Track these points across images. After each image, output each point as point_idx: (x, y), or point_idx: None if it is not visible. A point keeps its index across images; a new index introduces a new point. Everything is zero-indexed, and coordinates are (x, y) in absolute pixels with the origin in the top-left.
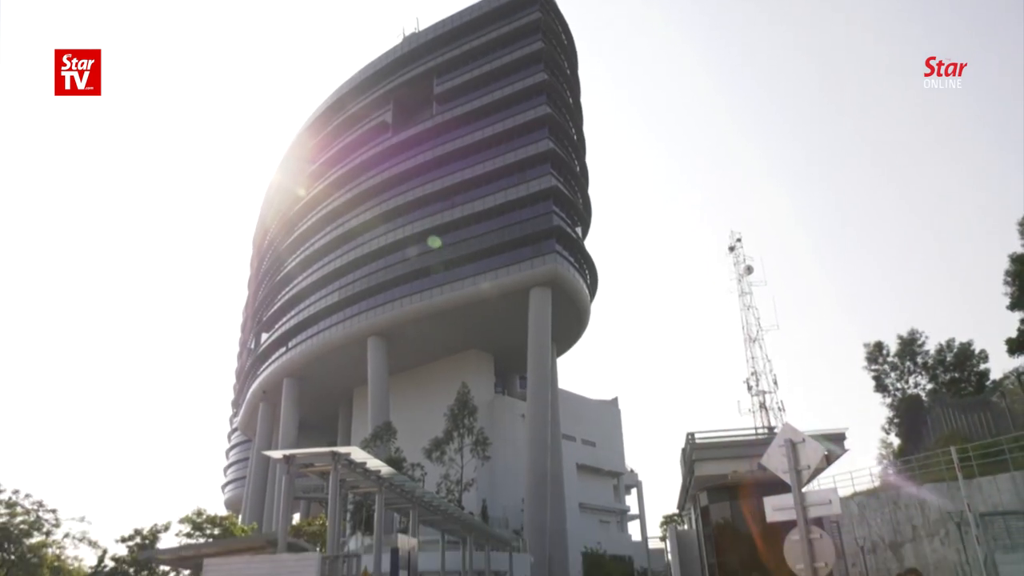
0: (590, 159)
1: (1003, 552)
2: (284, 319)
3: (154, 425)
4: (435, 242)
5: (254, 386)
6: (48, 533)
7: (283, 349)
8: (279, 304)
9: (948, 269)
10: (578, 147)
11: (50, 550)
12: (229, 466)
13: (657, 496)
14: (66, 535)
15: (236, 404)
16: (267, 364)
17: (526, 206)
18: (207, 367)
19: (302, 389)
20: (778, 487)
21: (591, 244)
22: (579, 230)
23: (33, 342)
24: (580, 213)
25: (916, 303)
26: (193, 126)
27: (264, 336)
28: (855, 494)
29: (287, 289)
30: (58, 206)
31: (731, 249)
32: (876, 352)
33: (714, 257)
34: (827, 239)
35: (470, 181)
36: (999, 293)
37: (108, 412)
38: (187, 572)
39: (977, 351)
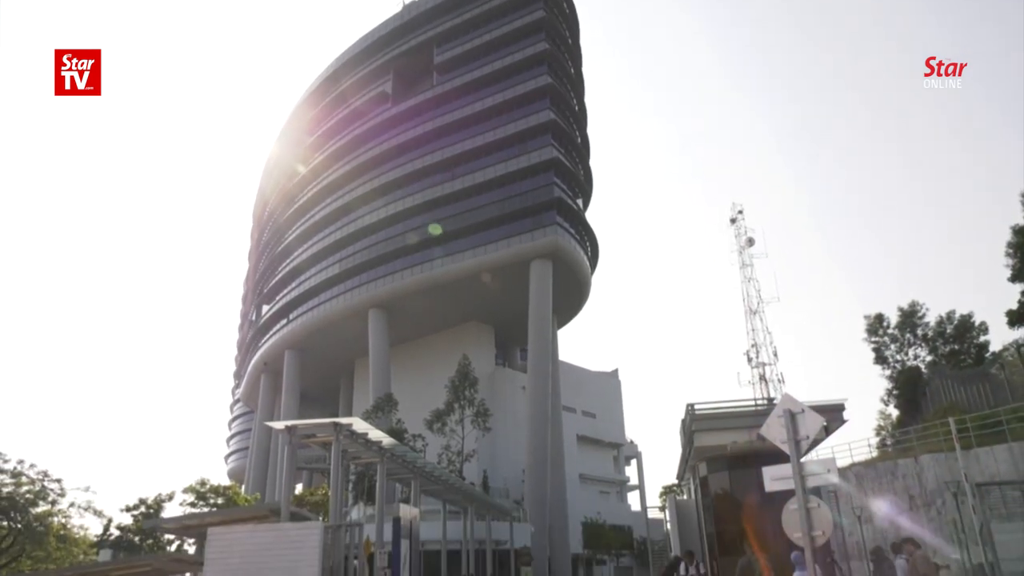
0: (591, 130)
1: (999, 521)
2: (284, 291)
3: (157, 397)
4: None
5: (255, 358)
6: (54, 503)
7: (284, 321)
8: (279, 276)
9: (950, 241)
10: (579, 118)
11: (56, 519)
12: (232, 437)
13: (657, 467)
14: (71, 504)
15: (238, 376)
16: (268, 336)
17: (527, 177)
18: (209, 339)
19: (303, 361)
20: (777, 457)
21: (592, 216)
22: (580, 202)
23: (36, 314)
24: (581, 184)
25: (918, 275)
26: (192, 99)
27: (265, 308)
28: (853, 464)
29: (287, 261)
30: (59, 179)
31: (732, 221)
32: (876, 324)
33: (715, 229)
34: (829, 211)
35: (470, 152)
36: (1001, 265)
37: (111, 384)
38: (191, 540)
39: (977, 323)
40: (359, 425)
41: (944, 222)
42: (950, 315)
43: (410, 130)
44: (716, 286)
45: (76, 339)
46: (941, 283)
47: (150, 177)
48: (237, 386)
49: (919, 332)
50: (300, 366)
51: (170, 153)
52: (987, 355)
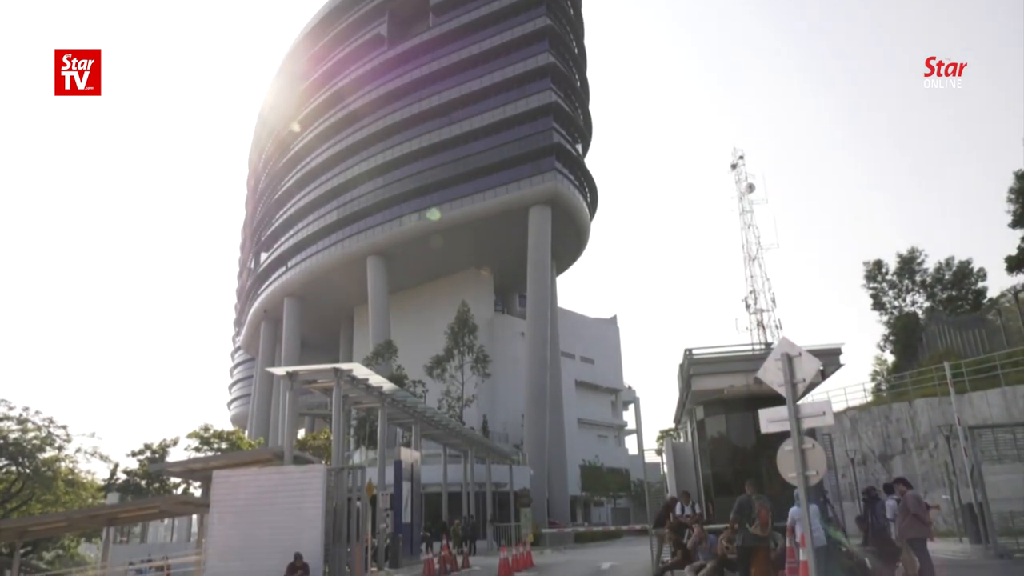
0: (591, 73)
1: (989, 463)
2: (282, 239)
3: (158, 345)
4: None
5: (255, 306)
6: (60, 448)
7: (283, 269)
8: (277, 224)
9: (954, 186)
10: (579, 61)
11: (63, 464)
12: (234, 384)
13: (654, 413)
14: (78, 450)
15: (238, 323)
16: (267, 284)
17: (525, 122)
18: (210, 286)
19: (303, 309)
20: (773, 401)
21: (591, 161)
22: (579, 147)
23: (39, 266)
24: (580, 129)
25: (919, 222)
26: (186, 43)
27: (263, 256)
28: (848, 409)
29: (284, 209)
30: (62, 121)
31: (733, 167)
32: (875, 270)
33: (716, 175)
34: (831, 158)
35: (468, 97)
36: (1002, 211)
37: (113, 333)
38: (197, 484)
39: (976, 270)
40: (359, 371)
41: (948, 167)
42: (949, 261)
43: (406, 74)
44: (715, 233)
45: (79, 288)
46: (943, 229)
47: (146, 122)
48: (238, 334)
49: (917, 278)
50: (300, 314)
51: (166, 98)
52: (984, 301)
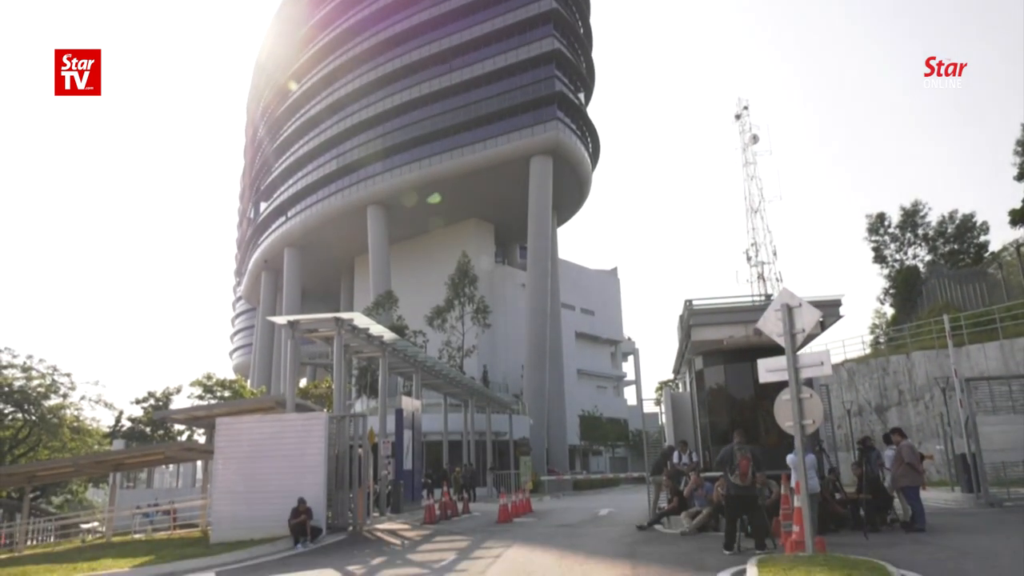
0: (594, 19)
1: (984, 414)
2: (281, 188)
3: (159, 294)
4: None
5: (255, 256)
6: (65, 396)
7: (282, 219)
8: (276, 173)
9: (959, 139)
10: (582, 7)
11: (68, 411)
12: (235, 333)
13: (653, 364)
14: (82, 397)
15: (238, 273)
16: (267, 234)
17: (527, 70)
18: (211, 235)
19: (303, 258)
20: (772, 352)
21: (594, 110)
22: (582, 96)
23: (42, 217)
24: (583, 77)
25: (924, 175)
26: None
27: (263, 205)
28: (846, 361)
29: (283, 158)
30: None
31: (737, 117)
32: (878, 223)
33: (720, 125)
34: (836, 109)
35: (469, 43)
36: (1009, 164)
37: (114, 282)
38: (201, 431)
39: (979, 223)
40: (360, 320)
41: (955, 119)
42: (952, 214)
43: (406, 20)
44: (718, 185)
45: (81, 238)
46: (948, 182)
47: (145, 66)
48: (238, 284)
49: (920, 232)
50: (300, 264)
51: (164, 43)
52: (986, 255)
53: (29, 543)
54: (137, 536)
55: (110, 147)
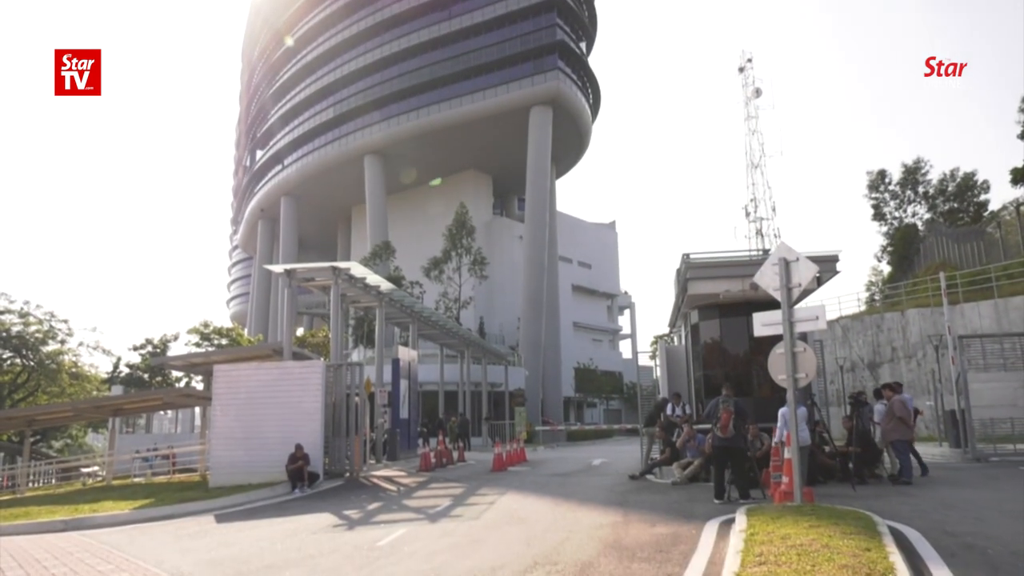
0: None
1: (975, 372)
2: (278, 136)
3: (158, 241)
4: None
5: (251, 204)
6: (63, 342)
7: (279, 167)
8: (272, 121)
9: (966, 96)
10: None
11: (67, 357)
12: (232, 282)
13: (648, 318)
14: (80, 344)
15: (235, 222)
16: (263, 182)
17: (528, 18)
18: (207, 182)
19: (300, 208)
20: (767, 307)
21: (595, 60)
22: (583, 45)
23: (38, 163)
24: (585, 26)
25: (928, 132)
26: None
27: (259, 153)
28: (841, 318)
29: (279, 105)
30: (61, 18)
31: (741, 70)
32: (878, 180)
33: (723, 79)
34: (841, 65)
35: None
36: (1013, 122)
37: (113, 229)
38: (199, 378)
39: (980, 181)
40: (357, 269)
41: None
42: (953, 173)
43: None
44: (719, 139)
45: (78, 184)
46: (953, 139)
47: (138, 11)
48: (235, 232)
49: (920, 189)
50: (297, 213)
51: None
52: (985, 214)
53: (31, 485)
54: (137, 480)
55: (108, 95)
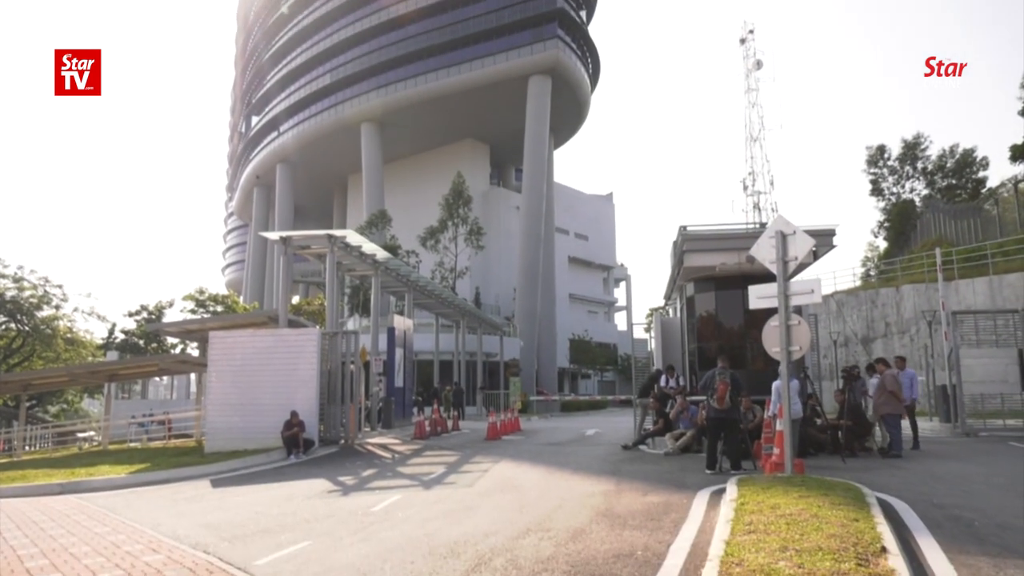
0: None
1: (967, 347)
2: (274, 102)
3: (153, 208)
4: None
5: (247, 171)
6: (57, 307)
7: (274, 134)
8: (267, 86)
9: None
10: None
11: (62, 323)
12: (228, 249)
13: (644, 291)
14: (75, 309)
15: (230, 189)
16: (259, 149)
17: None
18: (204, 148)
19: (296, 175)
20: (763, 280)
21: (595, 29)
22: (583, 14)
23: (33, 128)
24: None
25: (929, 110)
26: None
27: (254, 120)
28: (836, 293)
29: (275, 71)
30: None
31: (742, 41)
32: (878, 155)
33: (724, 50)
34: (844, 37)
35: None
36: (1014, 98)
37: (107, 194)
38: (194, 344)
39: (979, 158)
40: (353, 238)
41: (967, 52)
42: (952, 149)
43: None
44: (718, 112)
45: (72, 150)
46: (953, 116)
47: None
48: (230, 199)
49: (919, 165)
50: (292, 181)
51: None
52: (983, 191)
53: (27, 449)
54: (133, 445)
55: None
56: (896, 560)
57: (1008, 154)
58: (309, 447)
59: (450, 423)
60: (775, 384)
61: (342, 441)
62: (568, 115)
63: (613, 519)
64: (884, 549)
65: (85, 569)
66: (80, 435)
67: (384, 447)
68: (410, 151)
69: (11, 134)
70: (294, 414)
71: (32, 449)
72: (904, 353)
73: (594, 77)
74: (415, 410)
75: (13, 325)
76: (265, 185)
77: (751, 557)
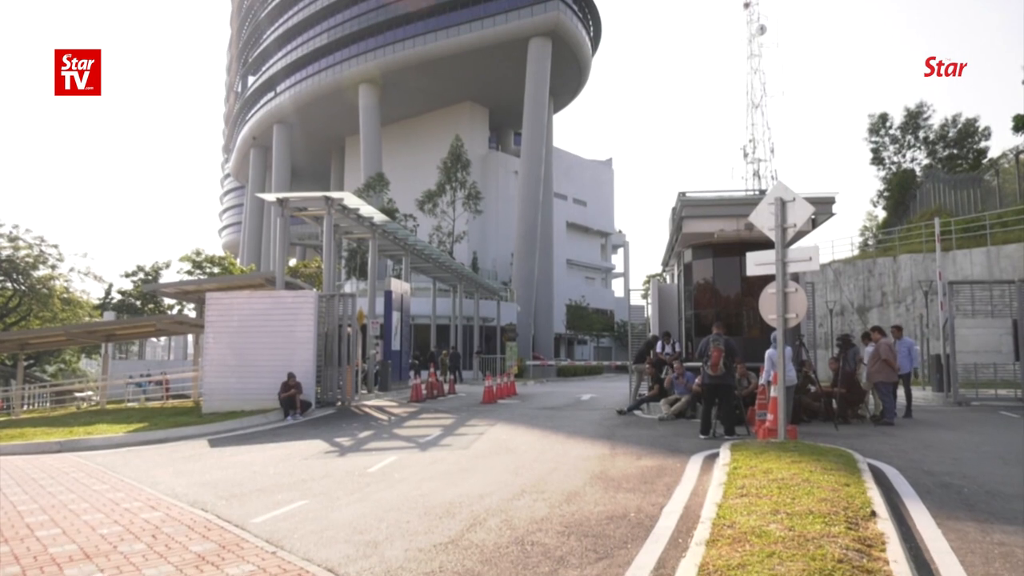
0: None
1: (963, 317)
2: (270, 62)
3: (149, 167)
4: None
5: (244, 132)
6: (54, 267)
7: (271, 94)
8: (264, 45)
9: (975, 42)
10: None
11: (58, 283)
12: (224, 211)
13: (642, 258)
14: (71, 269)
15: (227, 150)
16: (255, 109)
17: None
18: (200, 108)
19: (293, 136)
20: (761, 247)
21: None
22: None
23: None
24: None
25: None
26: None
27: (251, 79)
28: (833, 261)
29: (272, 29)
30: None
31: (746, 5)
32: (879, 123)
33: (727, 13)
34: (850, 4)
35: None
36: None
37: (102, 155)
38: (191, 305)
39: (981, 128)
40: (350, 200)
41: (974, 21)
42: (955, 118)
43: None
44: (720, 77)
45: (66, 109)
46: (957, 86)
47: None
48: (226, 160)
49: (921, 134)
50: (289, 142)
51: None
52: (984, 161)
53: (25, 408)
54: (131, 405)
55: (100, 16)
56: (885, 524)
57: (1011, 124)
58: (306, 408)
59: (446, 387)
60: (769, 352)
61: (339, 403)
62: (568, 79)
63: (607, 482)
64: (874, 513)
65: (84, 525)
66: (78, 395)
67: (380, 409)
68: (408, 113)
69: (10, 94)
70: (291, 376)
71: (30, 408)
72: (900, 323)
73: (595, 40)
74: (411, 373)
75: (9, 284)
76: (262, 146)
77: (743, 519)
